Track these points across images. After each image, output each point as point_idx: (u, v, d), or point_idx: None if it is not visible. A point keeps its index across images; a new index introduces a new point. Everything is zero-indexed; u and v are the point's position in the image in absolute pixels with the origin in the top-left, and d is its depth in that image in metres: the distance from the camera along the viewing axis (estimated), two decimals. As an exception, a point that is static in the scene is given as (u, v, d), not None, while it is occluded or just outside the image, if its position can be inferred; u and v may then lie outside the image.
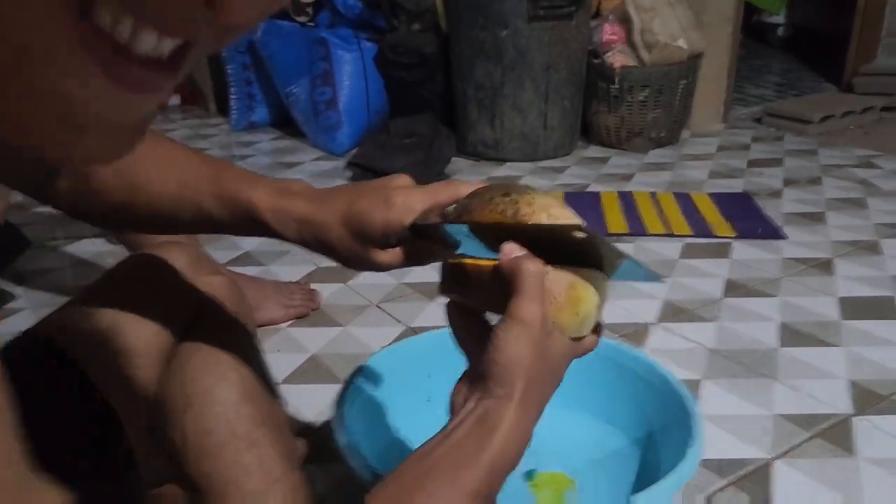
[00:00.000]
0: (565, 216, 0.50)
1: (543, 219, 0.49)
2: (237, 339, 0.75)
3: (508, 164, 2.34)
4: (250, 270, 1.58)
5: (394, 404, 0.95)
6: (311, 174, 2.30)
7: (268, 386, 0.75)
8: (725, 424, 1.06)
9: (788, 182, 2.10)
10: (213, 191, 0.64)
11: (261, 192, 0.63)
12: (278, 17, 2.66)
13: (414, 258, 0.62)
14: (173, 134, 2.84)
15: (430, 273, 1.53)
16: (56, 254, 1.72)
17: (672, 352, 1.25)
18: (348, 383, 0.87)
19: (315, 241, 0.63)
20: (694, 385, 1.15)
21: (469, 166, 2.33)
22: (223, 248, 1.71)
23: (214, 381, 0.70)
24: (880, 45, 3.03)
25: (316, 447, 0.80)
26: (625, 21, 2.29)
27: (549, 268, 0.48)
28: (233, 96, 2.80)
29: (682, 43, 2.25)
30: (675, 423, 0.87)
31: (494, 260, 0.50)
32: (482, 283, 0.51)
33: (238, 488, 0.60)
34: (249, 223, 0.64)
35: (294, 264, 1.62)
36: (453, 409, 0.50)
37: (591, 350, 0.55)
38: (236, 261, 1.65)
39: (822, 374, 1.18)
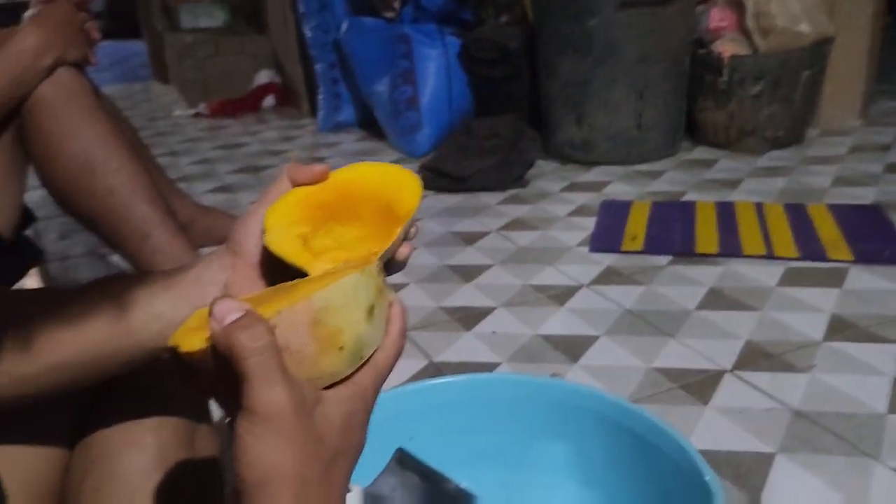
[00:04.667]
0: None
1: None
2: (168, 390, 0.63)
3: (598, 167, 2.10)
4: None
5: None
6: (385, 178, 2.17)
7: (201, 454, 0.63)
8: (795, 522, 0.81)
9: (935, 192, 1.74)
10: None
11: None
12: (364, 13, 2.56)
13: None
14: (262, 136, 2.81)
15: (476, 296, 1.35)
16: (70, 268, 1.69)
17: (743, 412, 1.00)
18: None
19: None
20: (764, 461, 0.91)
21: (554, 170, 2.11)
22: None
23: (122, 444, 0.58)
24: None
25: None
26: (736, 4, 1.99)
27: (280, 311, 0.37)
28: (320, 96, 2.73)
29: (804, 27, 1.92)
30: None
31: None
32: (211, 372, 0.37)
33: None
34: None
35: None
36: None
37: (399, 347, 0.42)
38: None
39: (944, 457, 0.90)
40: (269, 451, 0.34)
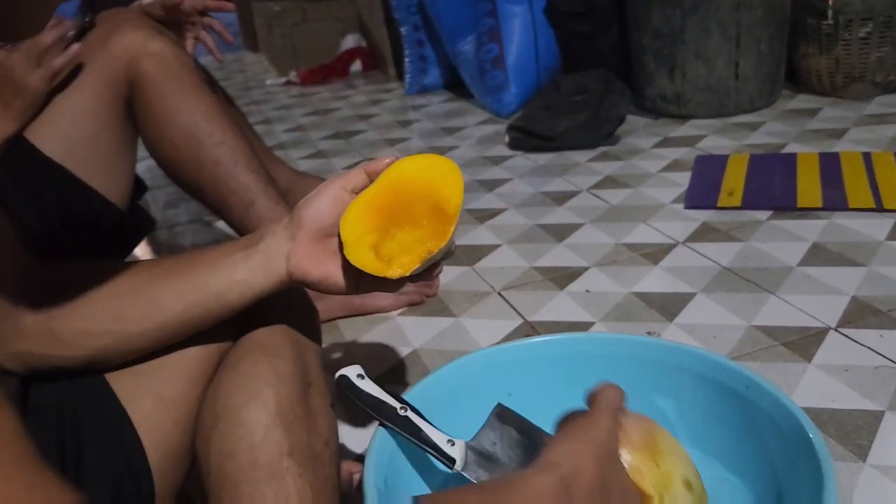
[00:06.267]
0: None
1: None
2: (289, 347, 0.68)
3: (692, 121, 2.04)
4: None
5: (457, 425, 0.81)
6: (473, 140, 2.18)
7: (314, 408, 0.67)
8: (906, 481, 0.79)
9: None
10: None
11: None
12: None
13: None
14: (351, 101, 2.85)
15: (568, 255, 1.35)
16: (177, 235, 1.77)
17: (850, 370, 0.97)
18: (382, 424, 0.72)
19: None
20: (873, 420, 0.88)
21: (646, 126, 2.07)
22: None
23: (245, 398, 0.64)
24: None
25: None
26: (842, -60, 1.87)
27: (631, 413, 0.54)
28: (406, 59, 2.75)
29: (919, -39, 1.79)
30: (809, 490, 0.65)
31: None
32: None
33: None
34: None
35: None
36: None
37: None
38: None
39: None
40: (572, 446, 0.48)
